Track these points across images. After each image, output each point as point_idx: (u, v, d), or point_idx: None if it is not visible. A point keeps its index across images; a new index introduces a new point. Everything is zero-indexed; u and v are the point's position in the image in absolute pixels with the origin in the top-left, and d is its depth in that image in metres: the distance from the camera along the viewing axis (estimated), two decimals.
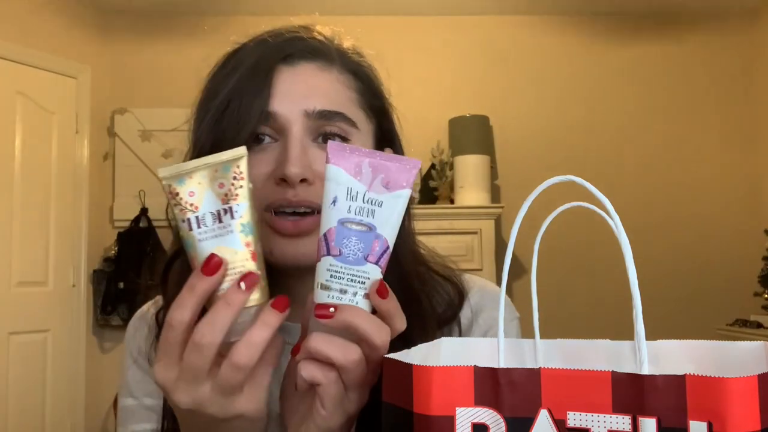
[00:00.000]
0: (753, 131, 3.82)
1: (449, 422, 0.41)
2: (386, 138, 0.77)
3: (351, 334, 0.53)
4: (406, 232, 0.74)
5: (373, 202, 0.53)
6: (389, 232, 0.53)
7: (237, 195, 0.54)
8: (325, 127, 0.68)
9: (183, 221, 0.54)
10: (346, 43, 0.76)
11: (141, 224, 3.60)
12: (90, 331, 3.56)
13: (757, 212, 3.74)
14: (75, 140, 3.55)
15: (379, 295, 0.53)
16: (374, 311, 0.54)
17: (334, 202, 0.53)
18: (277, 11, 3.72)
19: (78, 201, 3.53)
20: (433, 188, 3.57)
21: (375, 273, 0.53)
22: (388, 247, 0.54)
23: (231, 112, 0.65)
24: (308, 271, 0.60)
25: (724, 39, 3.87)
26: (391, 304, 0.54)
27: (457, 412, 0.41)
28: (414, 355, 0.49)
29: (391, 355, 0.46)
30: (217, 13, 3.74)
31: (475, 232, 3.41)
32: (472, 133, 3.55)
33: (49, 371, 3.32)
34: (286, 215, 0.66)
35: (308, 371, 0.53)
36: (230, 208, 0.54)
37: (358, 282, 0.53)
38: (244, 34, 0.74)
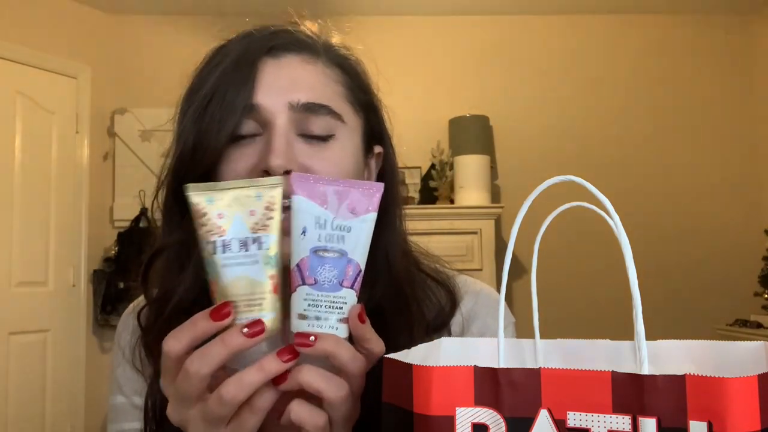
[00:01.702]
0: (754, 131, 3.82)
1: (449, 422, 0.41)
2: (375, 134, 0.74)
3: (329, 363, 0.53)
4: (397, 234, 0.72)
5: (342, 228, 0.54)
6: (360, 256, 0.54)
7: (267, 226, 0.53)
8: (310, 120, 0.65)
9: (207, 243, 0.52)
10: (334, 39, 0.74)
11: (141, 224, 3.60)
12: (90, 331, 3.56)
13: (757, 212, 3.74)
14: (75, 140, 3.54)
15: (359, 320, 0.54)
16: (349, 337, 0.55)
17: (303, 232, 0.54)
18: (279, 11, 3.71)
19: (78, 201, 3.53)
20: (433, 188, 3.57)
21: (351, 297, 0.54)
22: (360, 271, 0.54)
23: (215, 105, 0.64)
24: None
25: (726, 38, 3.86)
26: (368, 328, 0.54)
27: (457, 412, 0.41)
28: (414, 355, 0.49)
29: (391, 355, 0.46)
30: (218, 13, 3.74)
31: (475, 232, 3.41)
32: (472, 133, 3.55)
33: (49, 371, 3.32)
34: None
35: (297, 415, 0.53)
36: (259, 238, 0.53)
37: (336, 308, 0.53)
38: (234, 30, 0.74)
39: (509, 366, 0.41)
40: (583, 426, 0.39)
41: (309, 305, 0.53)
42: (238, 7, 3.68)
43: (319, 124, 0.66)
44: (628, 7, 3.81)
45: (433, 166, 3.59)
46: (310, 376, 0.52)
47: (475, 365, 0.41)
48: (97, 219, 3.63)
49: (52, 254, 3.39)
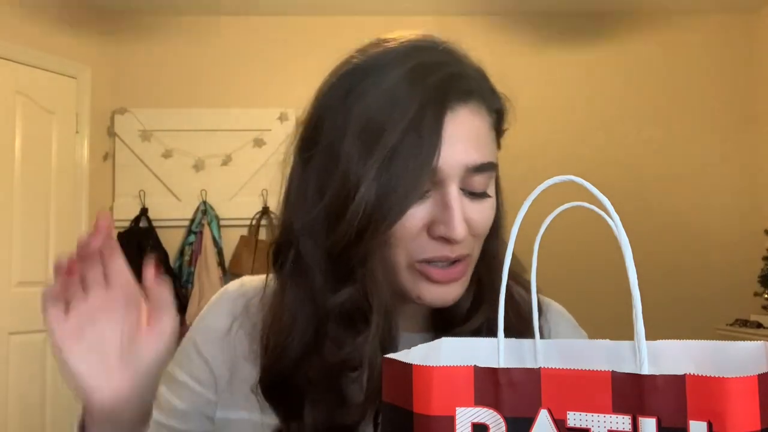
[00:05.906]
0: (753, 131, 3.82)
1: (449, 422, 0.41)
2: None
3: None
4: (502, 215, 0.72)
5: None
6: None
7: None
8: (474, 178, 0.65)
9: None
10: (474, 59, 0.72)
11: (141, 224, 3.60)
12: None
13: (757, 212, 3.74)
14: (75, 140, 3.55)
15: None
16: None
17: None
18: (280, 11, 3.71)
19: (78, 201, 3.52)
20: None
21: None
22: None
23: (401, 163, 0.61)
24: None
25: (724, 37, 3.86)
26: None
27: (457, 412, 0.41)
28: (414, 355, 0.49)
29: (391, 355, 0.46)
30: (218, 13, 3.74)
31: None
32: None
33: (49, 371, 3.32)
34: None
35: None
36: None
37: None
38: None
39: (509, 366, 0.41)
40: (583, 426, 0.39)
41: None
42: (238, 7, 3.67)
43: (480, 182, 0.65)
44: (624, 8, 3.81)
45: None
46: None
47: (475, 365, 0.41)
48: None
49: (52, 254, 3.39)
